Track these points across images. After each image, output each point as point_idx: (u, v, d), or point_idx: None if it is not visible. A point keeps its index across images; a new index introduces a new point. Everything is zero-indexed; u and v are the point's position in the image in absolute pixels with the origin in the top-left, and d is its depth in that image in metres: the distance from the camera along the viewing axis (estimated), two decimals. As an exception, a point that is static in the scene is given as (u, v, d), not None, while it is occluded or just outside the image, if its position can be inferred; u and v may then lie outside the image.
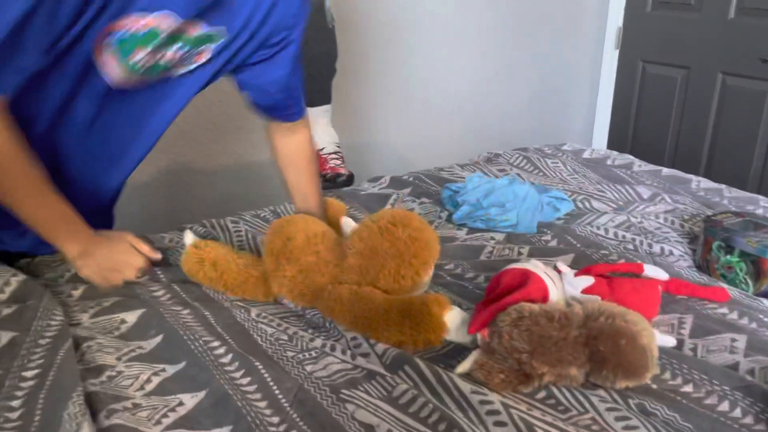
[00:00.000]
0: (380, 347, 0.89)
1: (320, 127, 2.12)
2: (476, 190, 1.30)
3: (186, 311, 0.94)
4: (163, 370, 0.82)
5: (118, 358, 0.82)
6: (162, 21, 0.87)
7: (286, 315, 0.98)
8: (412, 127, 2.36)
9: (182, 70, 0.97)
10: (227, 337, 0.89)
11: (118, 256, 0.99)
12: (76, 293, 0.97)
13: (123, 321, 0.90)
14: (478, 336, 0.87)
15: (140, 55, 0.89)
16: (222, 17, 0.94)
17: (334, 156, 2.14)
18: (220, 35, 0.96)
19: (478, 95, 2.51)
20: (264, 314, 0.97)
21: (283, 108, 1.16)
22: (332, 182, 2.06)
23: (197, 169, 1.86)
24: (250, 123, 1.90)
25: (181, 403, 0.76)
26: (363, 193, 1.44)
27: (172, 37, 0.90)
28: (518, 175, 1.55)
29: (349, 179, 2.04)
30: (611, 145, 2.85)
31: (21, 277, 0.95)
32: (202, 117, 1.79)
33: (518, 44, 2.53)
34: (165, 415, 0.74)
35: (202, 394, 0.78)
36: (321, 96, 2.08)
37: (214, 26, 0.94)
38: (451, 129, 2.42)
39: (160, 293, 0.99)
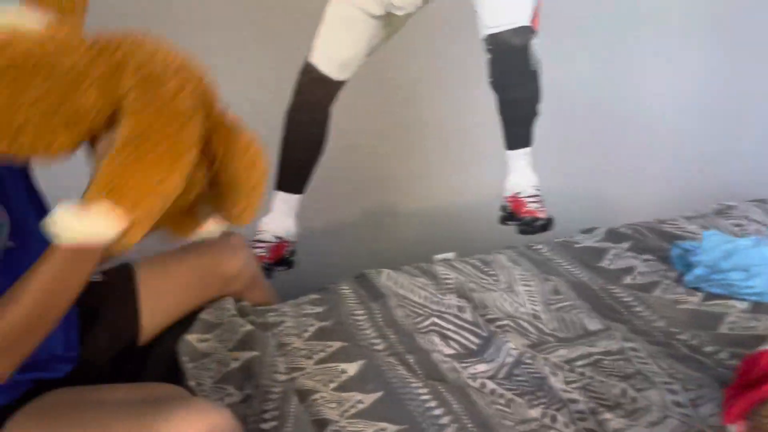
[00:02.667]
0: (611, 425, 0.81)
1: (519, 170, 2.06)
2: (714, 250, 1.16)
3: (402, 367, 0.93)
4: (384, 429, 0.80)
5: (341, 414, 0.82)
6: None
7: (498, 375, 0.93)
8: (622, 169, 2.20)
9: None
10: (444, 394, 0.86)
11: None
12: (299, 341, 1.00)
13: (344, 371, 0.91)
14: (734, 429, 0.75)
15: None
16: None
17: (532, 199, 2.07)
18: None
19: (702, 131, 2.28)
20: (479, 374, 0.93)
21: None
22: (529, 226, 1.99)
23: (398, 212, 1.89)
24: (449, 167, 1.90)
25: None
26: (577, 246, 1.35)
27: None
28: (757, 230, 1.37)
29: (548, 223, 1.96)
30: None
31: (248, 327, 1.00)
32: (403, 163, 1.82)
33: (753, 69, 2.26)
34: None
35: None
36: (522, 139, 2.03)
37: None
38: (669, 172, 2.22)
39: (378, 344, 0.99)
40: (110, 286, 0.96)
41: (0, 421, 0.75)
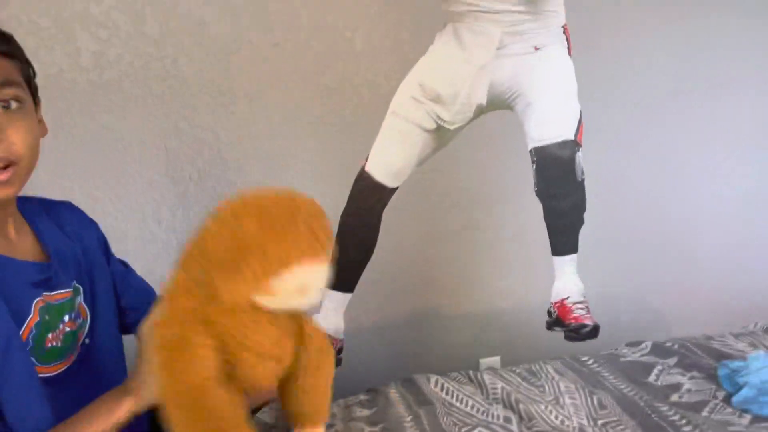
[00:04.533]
0: None
1: (565, 276, 2.09)
2: (761, 371, 1.16)
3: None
4: None
5: None
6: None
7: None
8: (667, 279, 2.21)
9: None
10: None
11: None
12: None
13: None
14: None
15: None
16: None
17: (579, 306, 2.08)
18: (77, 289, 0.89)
19: (750, 242, 2.28)
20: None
21: None
22: (576, 333, 1.99)
23: (444, 314, 1.93)
24: (496, 271, 1.94)
25: None
26: (623, 359, 1.36)
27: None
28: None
29: (594, 331, 1.96)
30: None
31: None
32: (450, 266, 1.87)
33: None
34: None
35: None
36: (568, 246, 2.07)
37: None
38: (713, 284, 2.22)
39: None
40: None
41: None
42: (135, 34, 1.32)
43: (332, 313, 1.72)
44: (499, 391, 1.21)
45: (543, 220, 2.02)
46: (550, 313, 2.10)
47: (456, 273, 1.90)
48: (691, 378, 1.27)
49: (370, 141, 1.60)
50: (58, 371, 0.84)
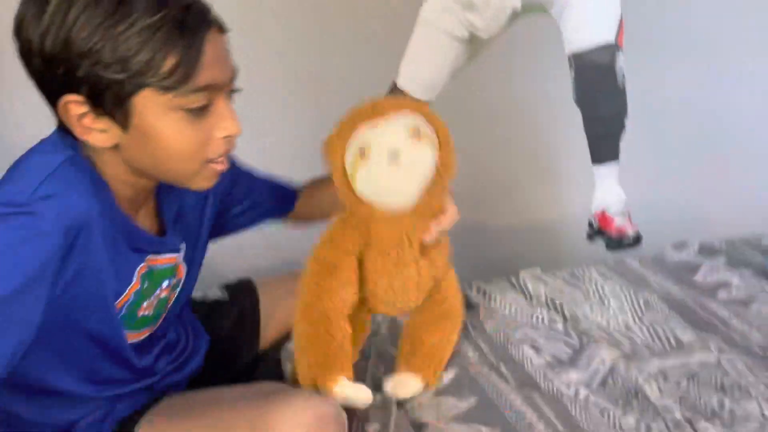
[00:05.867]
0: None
1: (606, 185, 2.04)
2: (814, 262, 1.13)
3: (495, 375, 0.97)
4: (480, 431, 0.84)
5: (438, 418, 0.87)
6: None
7: (591, 384, 0.95)
8: (711, 181, 2.15)
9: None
10: (538, 401, 0.90)
11: None
12: (394, 349, 1.05)
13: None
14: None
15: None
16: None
17: (620, 215, 2.04)
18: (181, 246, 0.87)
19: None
20: (572, 383, 0.95)
21: (283, 191, 1.07)
22: (618, 243, 1.96)
23: (485, 227, 1.92)
24: (535, 182, 1.91)
25: None
26: (669, 261, 1.35)
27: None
28: None
29: (637, 240, 1.93)
30: None
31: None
32: (489, 180, 1.85)
33: None
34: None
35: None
36: (609, 154, 2.01)
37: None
38: (759, 185, 2.15)
39: (470, 354, 1.03)
40: (235, 304, 1.06)
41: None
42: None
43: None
44: (542, 294, 1.21)
45: (582, 128, 1.96)
46: (591, 224, 2.07)
47: (495, 186, 1.88)
48: (741, 275, 1.25)
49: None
50: (143, 337, 0.84)
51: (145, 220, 0.81)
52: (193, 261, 0.92)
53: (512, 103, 1.79)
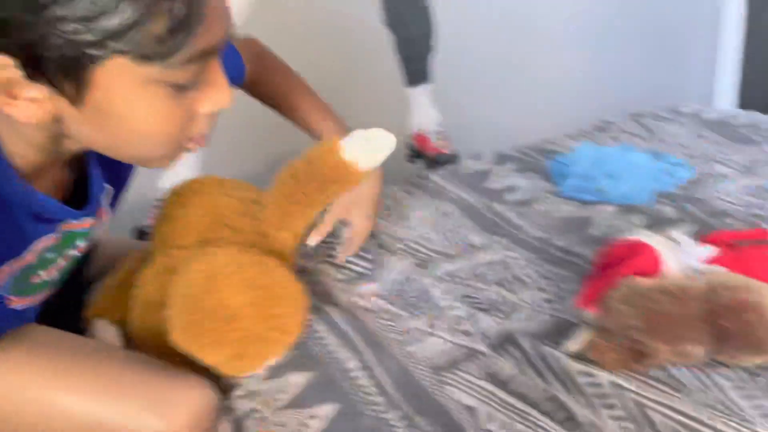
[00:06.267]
0: (483, 325, 0.88)
1: (422, 107, 2.10)
2: (585, 160, 1.24)
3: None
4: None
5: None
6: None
7: (385, 293, 0.99)
8: (517, 101, 2.29)
9: None
10: (331, 315, 0.92)
11: None
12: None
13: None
14: (589, 313, 0.83)
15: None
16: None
17: (437, 135, 2.12)
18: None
19: (584, 58, 2.39)
20: (367, 294, 0.98)
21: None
22: (436, 162, 2.04)
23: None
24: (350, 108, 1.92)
25: (290, 383, 0.79)
26: (466, 171, 1.42)
27: None
28: (633, 143, 1.46)
29: (454, 158, 2.01)
30: (744, 104, 2.58)
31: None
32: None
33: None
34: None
35: (310, 375, 0.80)
36: (420, 75, 2.06)
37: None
38: (558, 98, 2.33)
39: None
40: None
41: None
42: None
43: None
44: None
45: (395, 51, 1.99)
46: (409, 146, 2.13)
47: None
48: (528, 178, 1.34)
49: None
50: (38, 301, 0.73)
51: (61, 182, 0.68)
52: (116, 203, 0.81)
53: (332, 28, 1.76)
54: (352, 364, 0.82)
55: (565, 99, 2.34)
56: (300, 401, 0.76)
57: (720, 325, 0.73)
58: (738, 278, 0.78)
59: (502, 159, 1.45)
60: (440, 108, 2.08)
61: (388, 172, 1.95)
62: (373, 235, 1.15)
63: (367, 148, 0.83)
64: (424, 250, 1.11)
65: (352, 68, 2.06)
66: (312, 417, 0.74)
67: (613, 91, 2.40)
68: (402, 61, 2.02)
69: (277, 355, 0.80)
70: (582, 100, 2.33)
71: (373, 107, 1.98)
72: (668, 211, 1.14)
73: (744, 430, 0.66)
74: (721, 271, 0.81)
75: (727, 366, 0.75)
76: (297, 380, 0.79)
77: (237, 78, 0.88)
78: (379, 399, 0.76)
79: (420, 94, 2.08)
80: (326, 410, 0.75)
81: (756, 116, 1.56)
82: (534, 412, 0.72)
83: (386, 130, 0.84)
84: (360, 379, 0.79)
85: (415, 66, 2.04)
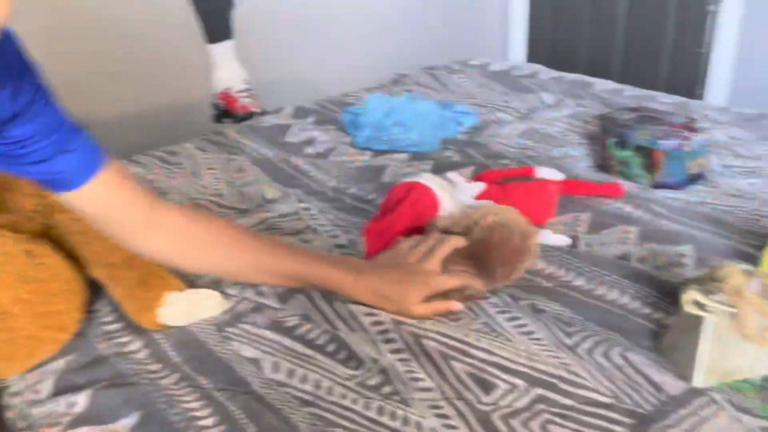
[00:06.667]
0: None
1: (225, 64, 2.01)
2: (377, 110, 1.26)
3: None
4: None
5: None
6: None
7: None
8: (322, 57, 2.28)
9: None
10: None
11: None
12: None
13: None
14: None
15: None
16: None
17: (244, 93, 2.05)
18: None
19: (388, 16, 2.44)
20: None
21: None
22: (245, 121, 1.98)
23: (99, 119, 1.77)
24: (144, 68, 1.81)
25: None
26: (264, 125, 1.39)
27: None
28: (427, 94, 1.52)
29: (262, 114, 1.96)
30: (532, 59, 2.81)
31: None
32: (101, 65, 1.68)
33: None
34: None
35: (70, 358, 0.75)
36: (221, 32, 1.97)
37: None
38: (361, 54, 2.36)
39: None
40: None
41: None
42: None
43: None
44: (136, 174, 1.15)
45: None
46: (215, 106, 2.04)
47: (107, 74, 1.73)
48: (325, 131, 1.34)
49: None
50: None
51: None
52: None
53: None
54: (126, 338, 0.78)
55: (368, 55, 2.38)
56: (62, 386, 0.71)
57: (474, 252, 0.79)
58: (488, 206, 0.84)
59: (301, 113, 1.44)
60: (244, 64, 2.01)
61: (186, 128, 1.86)
62: (163, 193, 1.10)
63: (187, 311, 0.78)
64: (216, 207, 1.08)
65: (149, 30, 1.93)
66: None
67: (415, 49, 2.49)
68: (201, 17, 1.92)
69: (50, 353, 0.74)
70: (385, 58, 2.38)
71: (175, 68, 1.88)
72: (453, 155, 1.21)
73: (504, 344, 0.72)
74: (488, 203, 0.87)
75: (495, 294, 0.81)
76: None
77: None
78: (155, 366, 0.72)
79: (223, 52, 1.99)
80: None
81: (536, 67, 1.69)
82: (318, 355, 0.72)
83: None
84: (138, 353, 0.75)
85: (216, 22, 1.95)
